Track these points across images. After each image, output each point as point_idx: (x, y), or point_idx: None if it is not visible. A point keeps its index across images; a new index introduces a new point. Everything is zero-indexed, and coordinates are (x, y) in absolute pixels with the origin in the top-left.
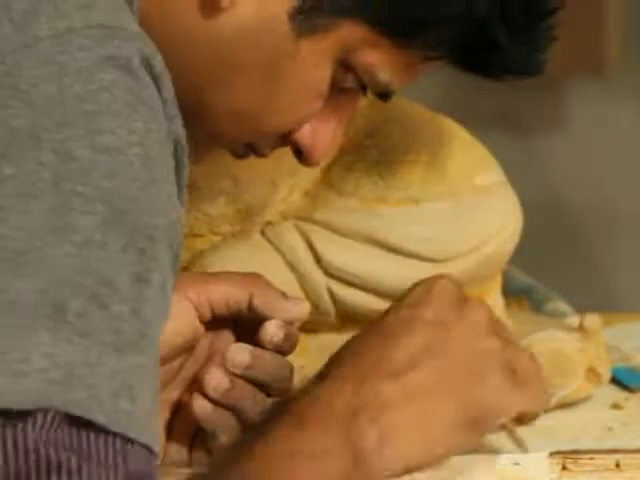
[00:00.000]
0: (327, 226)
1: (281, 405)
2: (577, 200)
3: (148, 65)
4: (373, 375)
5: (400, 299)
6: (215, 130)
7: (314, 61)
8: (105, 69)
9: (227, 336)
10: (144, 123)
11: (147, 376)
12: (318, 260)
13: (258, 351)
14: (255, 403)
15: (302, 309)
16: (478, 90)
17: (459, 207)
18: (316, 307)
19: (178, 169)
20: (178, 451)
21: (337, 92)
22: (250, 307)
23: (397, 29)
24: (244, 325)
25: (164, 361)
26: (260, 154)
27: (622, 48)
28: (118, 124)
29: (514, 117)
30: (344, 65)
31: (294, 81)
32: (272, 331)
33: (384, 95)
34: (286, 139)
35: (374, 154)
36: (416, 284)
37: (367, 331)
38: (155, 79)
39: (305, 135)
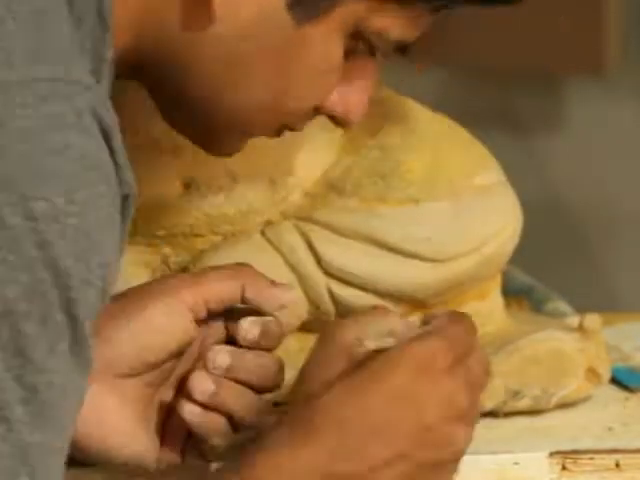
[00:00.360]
0: (327, 226)
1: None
2: (577, 200)
3: (96, 117)
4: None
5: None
6: (244, 127)
7: (322, 42)
8: (55, 128)
9: (218, 333)
10: (89, 191)
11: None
12: (318, 260)
13: (239, 351)
14: (244, 403)
15: (292, 294)
16: (478, 90)
17: (459, 207)
18: (316, 307)
19: (124, 221)
20: (171, 454)
21: (353, 57)
22: (243, 299)
23: None
24: (235, 319)
25: (158, 365)
26: (295, 130)
27: (622, 48)
28: (59, 191)
29: (514, 117)
30: (353, 35)
31: (306, 66)
32: (246, 327)
33: (401, 50)
34: (318, 111)
35: (374, 154)
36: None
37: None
38: (104, 131)
39: (335, 103)
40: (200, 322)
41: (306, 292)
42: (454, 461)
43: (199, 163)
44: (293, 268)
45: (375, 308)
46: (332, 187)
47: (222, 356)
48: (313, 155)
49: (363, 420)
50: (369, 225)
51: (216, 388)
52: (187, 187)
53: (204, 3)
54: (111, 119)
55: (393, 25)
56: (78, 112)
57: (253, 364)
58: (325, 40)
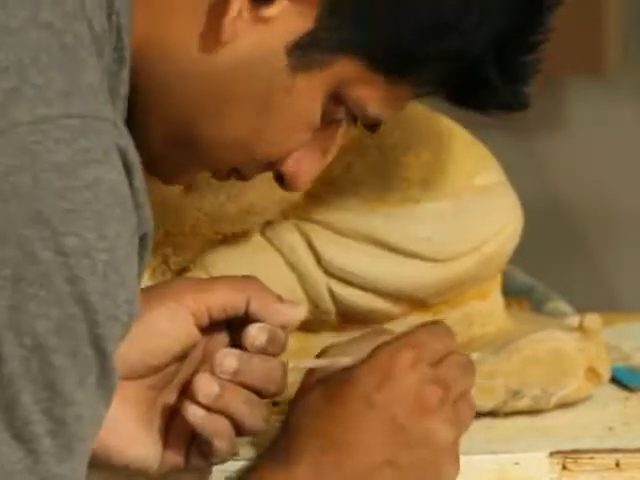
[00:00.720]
0: (327, 226)
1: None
2: (577, 200)
3: (122, 154)
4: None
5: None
6: (205, 158)
7: (308, 95)
8: (86, 164)
9: (221, 338)
10: (117, 227)
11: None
12: (318, 260)
13: (246, 355)
14: (248, 407)
15: (298, 311)
16: None
17: (459, 207)
18: (316, 307)
19: (141, 259)
20: (174, 456)
21: (327, 123)
22: (247, 312)
23: (392, 65)
24: (239, 326)
25: (161, 368)
26: (243, 178)
27: (622, 48)
28: (90, 227)
29: (514, 117)
30: (335, 98)
31: (287, 113)
32: (254, 334)
33: (373, 126)
34: (271, 165)
35: (374, 154)
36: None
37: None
38: (128, 168)
39: (289, 163)
40: (203, 328)
41: (306, 291)
42: (441, 459)
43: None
44: (293, 267)
45: (374, 331)
46: (332, 187)
47: (229, 359)
48: None
49: (341, 435)
50: (369, 225)
51: (220, 391)
52: (187, 187)
53: (214, 25)
54: (134, 156)
55: (374, 99)
56: (106, 148)
57: (259, 369)
58: (311, 94)
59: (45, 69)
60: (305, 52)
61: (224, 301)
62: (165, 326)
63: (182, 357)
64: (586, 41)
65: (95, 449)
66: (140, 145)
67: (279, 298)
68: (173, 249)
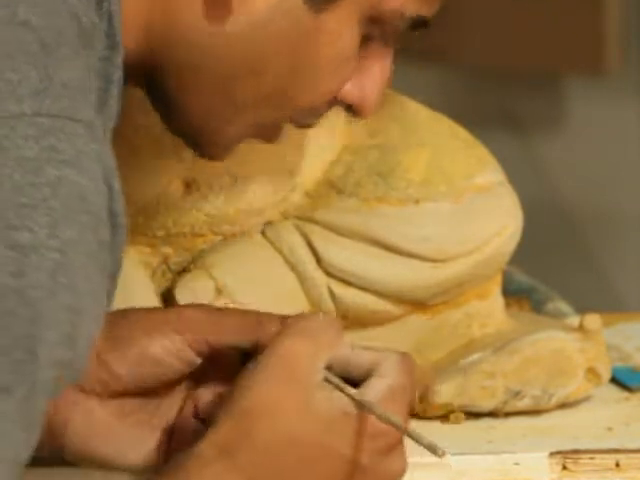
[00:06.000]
0: (327, 226)
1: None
2: (577, 200)
3: (100, 160)
4: None
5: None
6: (257, 120)
7: (338, 31)
8: (53, 163)
9: (227, 364)
10: (76, 232)
11: None
12: (318, 260)
13: None
14: None
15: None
16: (478, 90)
17: (459, 207)
18: (316, 307)
19: (113, 265)
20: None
21: (366, 45)
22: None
23: None
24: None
25: (158, 390)
26: (307, 126)
27: (622, 48)
28: (42, 223)
29: (514, 117)
30: (369, 20)
31: (322, 56)
32: None
33: (422, 26)
34: (332, 102)
35: (374, 154)
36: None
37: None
38: (105, 174)
39: (352, 92)
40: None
41: (306, 291)
42: None
43: (200, 163)
44: (293, 268)
45: None
46: (332, 187)
47: None
48: (313, 155)
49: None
50: (369, 225)
51: None
52: (188, 187)
53: None
54: (109, 160)
55: (407, 1)
56: (78, 151)
57: None
58: (341, 28)
59: (20, 66)
60: None
61: (230, 343)
62: (161, 357)
63: (181, 379)
64: (586, 41)
65: (94, 458)
66: (185, 127)
67: (285, 322)
68: (173, 249)
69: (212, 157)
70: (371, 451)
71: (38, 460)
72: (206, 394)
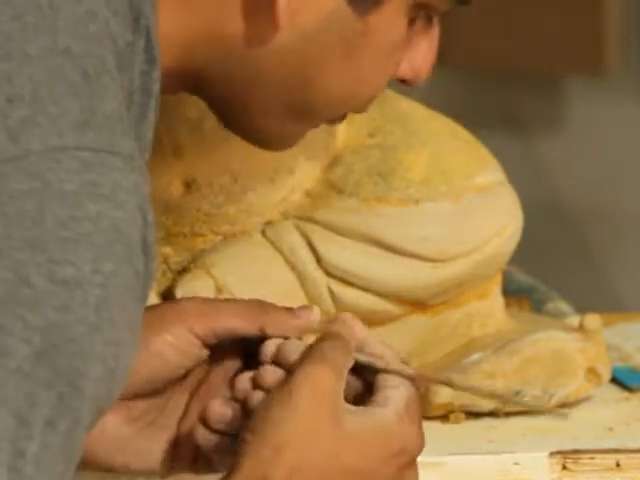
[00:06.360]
0: (327, 226)
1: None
2: (577, 200)
3: (137, 193)
4: None
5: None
6: (323, 119)
7: (387, 26)
8: (92, 198)
9: (230, 362)
10: (115, 265)
11: None
12: (318, 260)
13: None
14: None
15: (312, 315)
16: (478, 90)
17: (459, 207)
18: None
19: (144, 297)
20: (182, 462)
21: (413, 24)
22: (262, 336)
23: None
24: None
25: (166, 387)
26: (362, 112)
27: (622, 48)
28: (86, 259)
29: (514, 117)
30: (415, 6)
31: (375, 52)
32: (272, 350)
33: (465, 1)
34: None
35: (374, 154)
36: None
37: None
38: (141, 206)
39: (403, 69)
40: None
41: (306, 291)
42: None
43: (200, 163)
44: (293, 267)
45: None
46: (332, 187)
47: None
48: (313, 155)
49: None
50: (369, 225)
51: (233, 414)
52: (188, 187)
53: (268, 14)
54: (146, 190)
55: None
56: (114, 185)
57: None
58: (390, 23)
59: (61, 98)
60: None
61: (234, 328)
62: (167, 352)
63: (188, 373)
64: (586, 41)
65: (95, 463)
66: (244, 129)
67: (290, 311)
68: (173, 249)
69: (278, 149)
70: (397, 467)
71: None
72: (209, 393)
